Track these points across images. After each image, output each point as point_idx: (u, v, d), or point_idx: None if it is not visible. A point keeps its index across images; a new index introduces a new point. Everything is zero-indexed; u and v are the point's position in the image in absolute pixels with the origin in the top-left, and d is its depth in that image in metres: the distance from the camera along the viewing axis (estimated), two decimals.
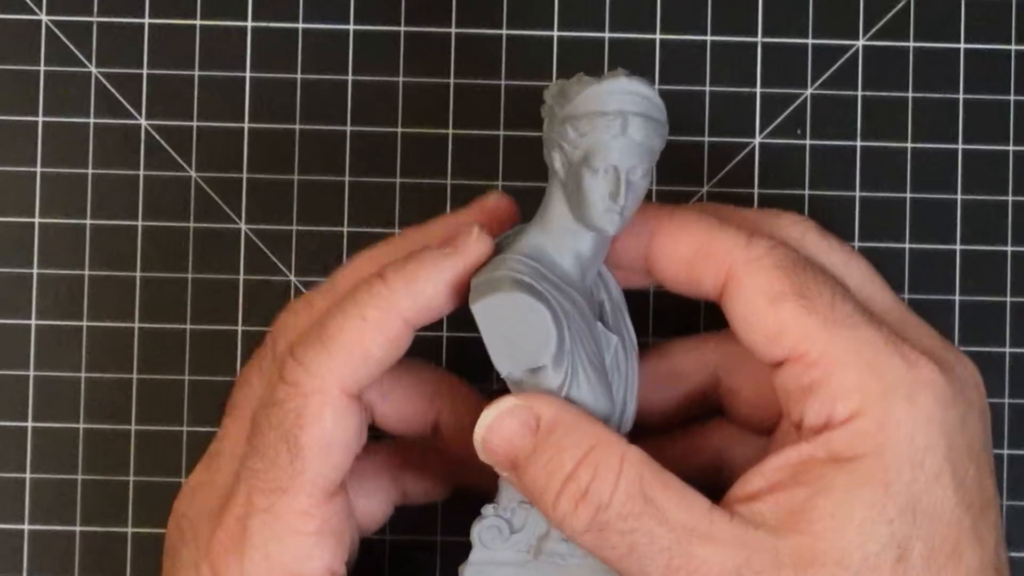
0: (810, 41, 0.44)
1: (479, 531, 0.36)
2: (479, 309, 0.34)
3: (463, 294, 0.35)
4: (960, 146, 0.44)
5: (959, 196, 0.44)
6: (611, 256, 0.37)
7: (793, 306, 0.34)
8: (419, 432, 0.39)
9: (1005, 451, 0.44)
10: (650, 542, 0.33)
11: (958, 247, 0.44)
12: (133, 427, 0.43)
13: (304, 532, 0.35)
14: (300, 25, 0.44)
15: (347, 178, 0.44)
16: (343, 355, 0.34)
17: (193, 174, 0.44)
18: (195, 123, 0.44)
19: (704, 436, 0.40)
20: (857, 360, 0.34)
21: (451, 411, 0.38)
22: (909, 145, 0.44)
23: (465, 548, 0.43)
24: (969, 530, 0.33)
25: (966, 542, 0.33)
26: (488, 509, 0.36)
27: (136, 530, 0.43)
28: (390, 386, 0.38)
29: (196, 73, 0.44)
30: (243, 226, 0.44)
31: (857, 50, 0.44)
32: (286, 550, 0.35)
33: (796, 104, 0.44)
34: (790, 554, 0.33)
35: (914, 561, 0.33)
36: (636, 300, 0.43)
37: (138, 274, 0.43)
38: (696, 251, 0.36)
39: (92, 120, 0.44)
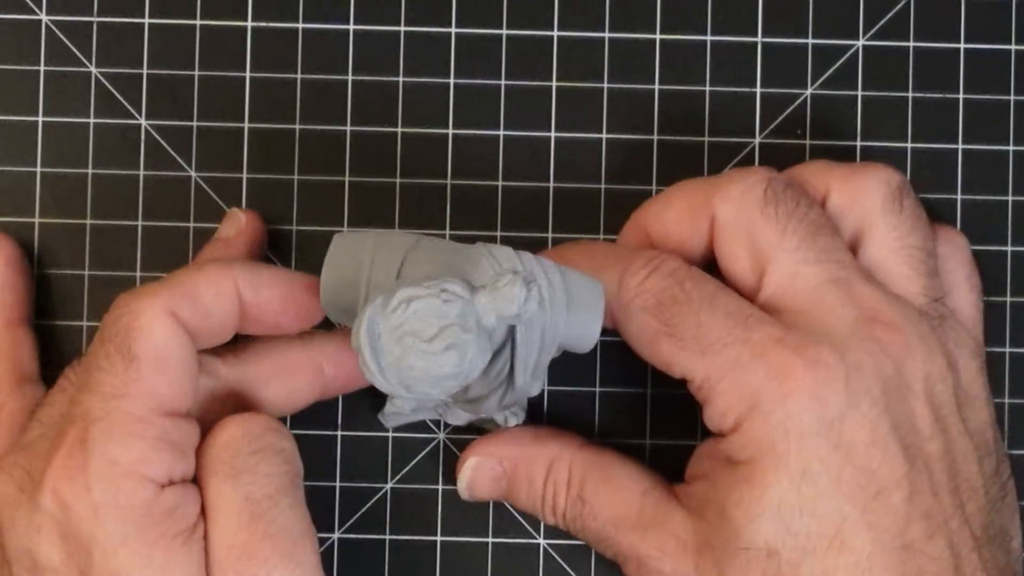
0: (810, 41, 0.44)
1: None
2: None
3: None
4: (960, 146, 0.44)
5: (959, 196, 0.44)
6: None
7: (667, 344, 0.38)
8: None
9: (1005, 451, 0.44)
10: (594, 537, 0.40)
11: None
12: None
13: (143, 436, 0.35)
14: (300, 25, 0.44)
15: (347, 178, 0.44)
16: (172, 287, 0.37)
17: (193, 174, 0.44)
18: (195, 123, 0.44)
19: None
20: (727, 382, 0.36)
21: (250, 287, 0.39)
22: (909, 145, 0.44)
23: (465, 548, 0.43)
24: (854, 519, 0.35)
25: (850, 531, 0.35)
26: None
27: None
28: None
29: (196, 73, 0.44)
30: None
31: (857, 50, 0.44)
32: (129, 451, 0.35)
33: (796, 104, 0.44)
34: (693, 537, 0.38)
35: (787, 555, 0.35)
36: None
37: (138, 274, 0.43)
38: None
39: (92, 120, 0.44)
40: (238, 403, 0.39)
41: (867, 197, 0.39)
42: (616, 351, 0.43)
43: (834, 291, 0.37)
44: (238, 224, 0.42)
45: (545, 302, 0.36)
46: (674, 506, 0.39)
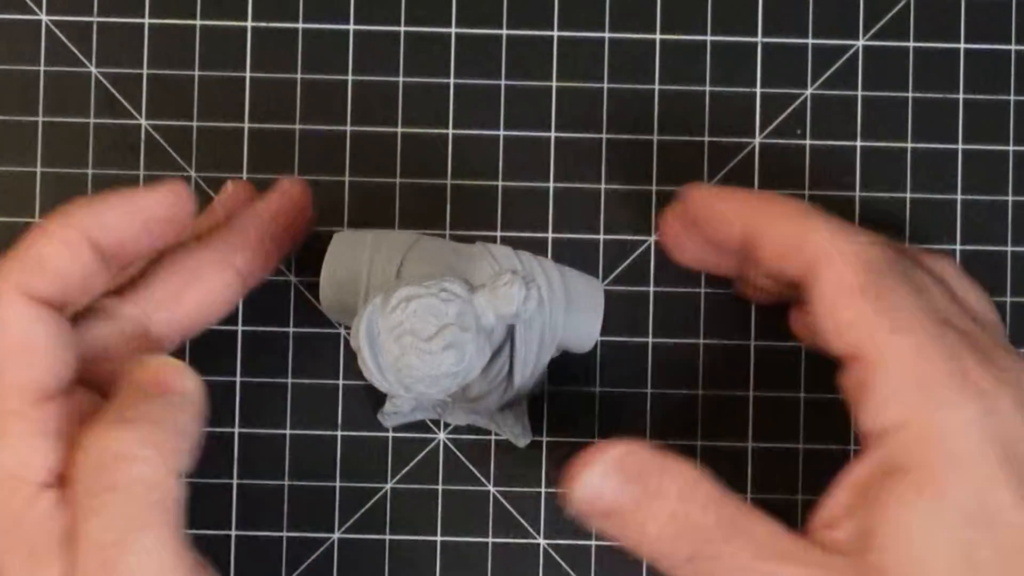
0: (810, 41, 0.44)
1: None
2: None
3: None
4: (960, 146, 0.44)
5: (959, 196, 0.44)
6: (705, 233, 0.38)
7: (864, 303, 0.34)
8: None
9: None
10: (737, 567, 0.33)
11: (958, 247, 0.44)
12: None
13: (18, 433, 0.34)
14: (300, 25, 0.44)
15: (347, 178, 0.44)
16: (19, 261, 0.35)
17: (193, 174, 0.44)
18: (195, 123, 0.44)
19: None
20: (911, 368, 0.33)
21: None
22: (909, 145, 0.44)
23: (465, 548, 0.43)
24: None
25: None
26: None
27: None
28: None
29: (196, 73, 0.44)
30: None
31: (857, 50, 0.44)
32: (4, 454, 0.34)
33: (796, 104, 0.44)
34: (866, 574, 0.33)
35: (983, 566, 0.32)
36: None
37: None
38: (790, 236, 0.36)
39: (92, 120, 0.44)
40: (157, 333, 0.38)
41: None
42: (616, 351, 0.43)
43: (979, 325, 0.36)
44: (225, 195, 0.41)
45: (544, 301, 0.36)
46: (823, 551, 0.33)
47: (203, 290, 0.38)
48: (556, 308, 0.36)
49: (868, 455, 0.34)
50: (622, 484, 0.34)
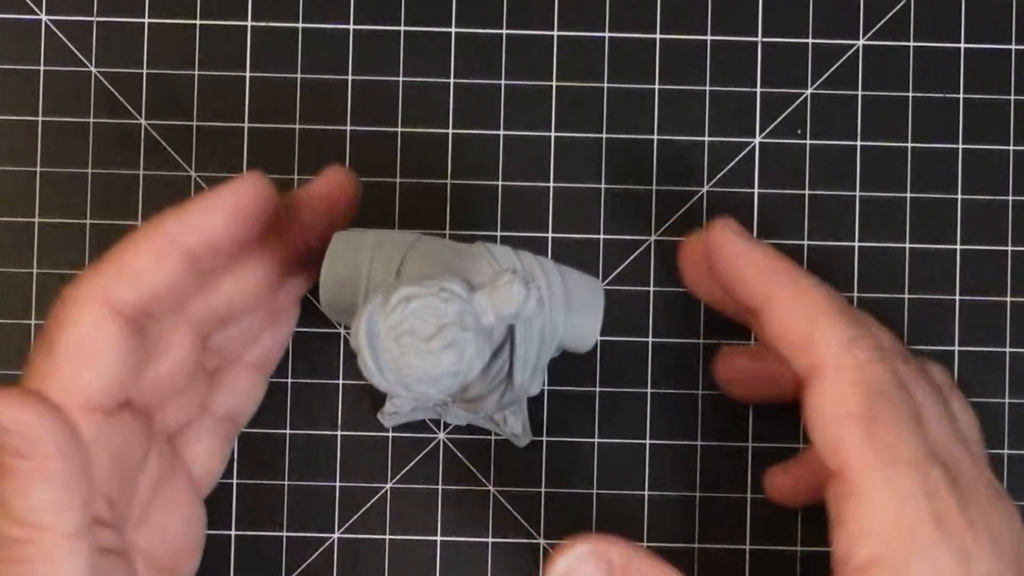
0: (810, 41, 0.44)
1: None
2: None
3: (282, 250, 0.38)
4: (960, 146, 0.44)
5: (959, 196, 0.44)
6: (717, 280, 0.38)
7: (856, 430, 0.34)
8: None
9: (1005, 451, 0.44)
10: None
11: (958, 247, 0.44)
12: None
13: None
14: (300, 25, 0.44)
15: None
16: (108, 270, 0.35)
17: (193, 174, 0.44)
18: (195, 123, 0.44)
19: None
20: (891, 503, 0.34)
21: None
22: (909, 145, 0.44)
23: (465, 548, 0.43)
24: None
25: None
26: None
27: None
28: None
29: (196, 73, 0.44)
30: None
31: (857, 50, 0.44)
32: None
33: (796, 104, 0.44)
34: None
35: None
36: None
37: None
38: (799, 335, 0.36)
39: (92, 120, 0.44)
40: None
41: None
42: (616, 351, 0.43)
43: (967, 454, 0.36)
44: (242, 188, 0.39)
45: (544, 301, 0.35)
46: None
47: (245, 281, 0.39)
48: (556, 308, 0.36)
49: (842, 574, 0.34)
50: (596, 573, 0.35)
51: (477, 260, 0.36)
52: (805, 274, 0.37)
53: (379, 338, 0.34)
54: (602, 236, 0.44)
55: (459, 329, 0.33)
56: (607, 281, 0.44)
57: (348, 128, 0.44)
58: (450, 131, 0.44)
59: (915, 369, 0.37)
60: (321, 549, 0.43)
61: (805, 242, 0.44)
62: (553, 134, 0.44)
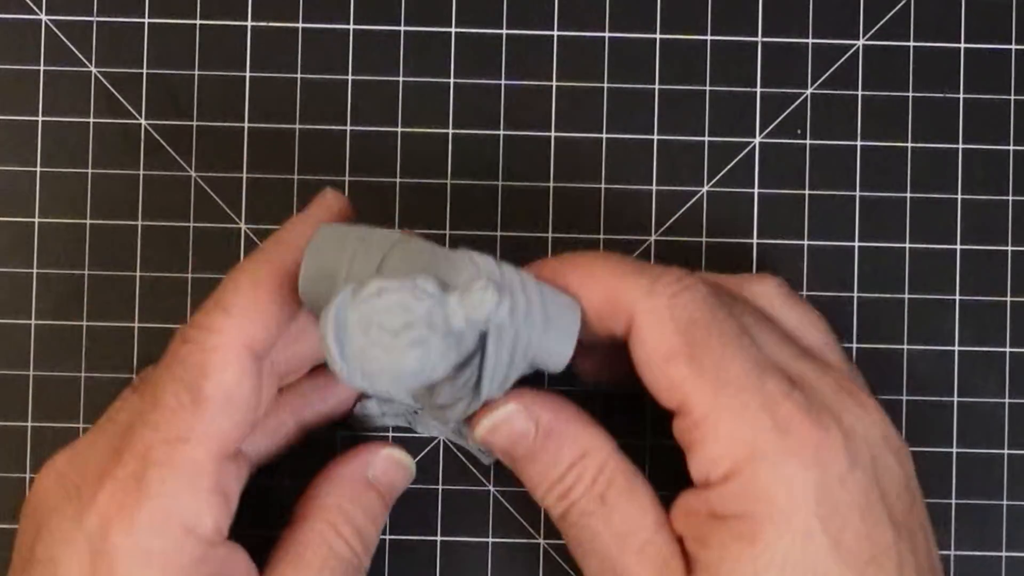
0: (810, 41, 0.44)
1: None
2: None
3: None
4: (960, 146, 0.44)
5: (959, 196, 0.44)
6: None
7: (683, 367, 0.35)
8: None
9: (1005, 451, 0.44)
10: (589, 541, 0.37)
11: (958, 247, 0.44)
12: None
13: (200, 488, 0.35)
14: (300, 25, 0.44)
15: (347, 178, 0.44)
16: (243, 315, 0.36)
17: (193, 174, 0.44)
18: (195, 123, 0.44)
19: None
20: (731, 425, 0.35)
21: None
22: (909, 145, 0.44)
23: (465, 548, 0.43)
24: None
25: None
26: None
27: None
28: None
29: (196, 73, 0.44)
30: (243, 226, 0.44)
31: (857, 50, 0.44)
32: (183, 504, 0.35)
33: (796, 104, 0.44)
34: None
35: None
36: None
37: (138, 274, 0.43)
38: (605, 299, 0.37)
39: (92, 120, 0.44)
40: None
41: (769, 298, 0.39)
42: None
43: (811, 362, 0.37)
44: (327, 205, 0.39)
45: (518, 312, 0.35)
46: (677, 556, 0.36)
47: (265, 445, 0.41)
48: (531, 324, 0.36)
49: (698, 492, 0.36)
50: (524, 430, 0.37)
51: (458, 266, 0.36)
52: (599, 254, 0.39)
53: (347, 328, 0.33)
54: (602, 236, 0.44)
55: (427, 328, 0.33)
56: None
57: (348, 128, 0.44)
58: (450, 131, 0.44)
59: (730, 291, 0.38)
60: None
61: (805, 242, 0.44)
62: (553, 134, 0.44)
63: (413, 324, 0.33)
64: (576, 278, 0.37)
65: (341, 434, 0.43)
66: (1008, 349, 0.44)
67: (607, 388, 0.42)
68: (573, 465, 0.37)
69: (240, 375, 0.35)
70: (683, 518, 0.36)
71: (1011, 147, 0.44)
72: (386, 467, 0.39)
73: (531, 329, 0.36)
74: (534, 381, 0.40)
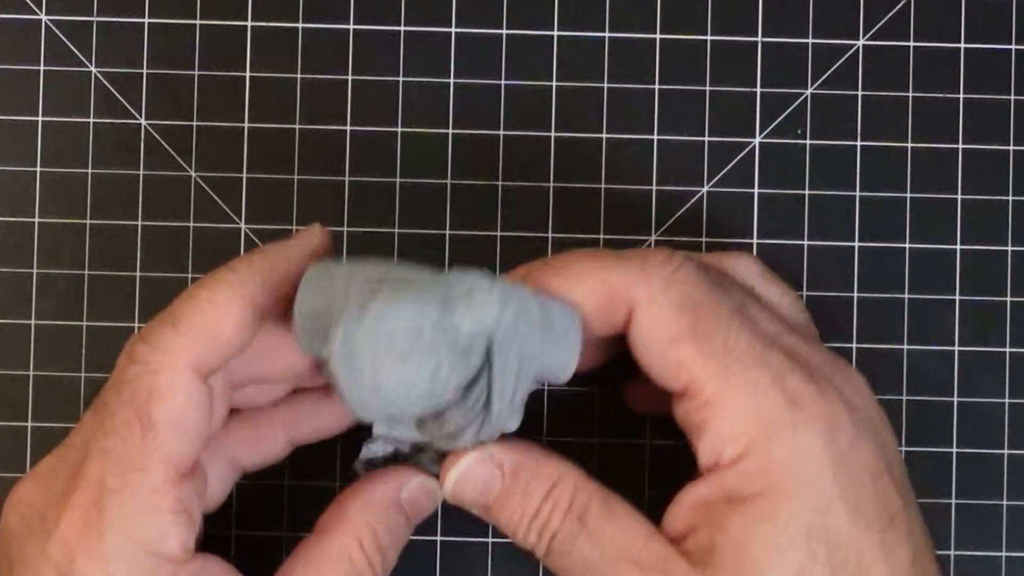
0: (810, 41, 0.44)
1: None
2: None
3: None
4: (960, 146, 0.44)
5: (959, 196, 0.44)
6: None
7: (689, 347, 0.35)
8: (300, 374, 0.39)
9: (1005, 451, 0.44)
10: (582, 564, 0.36)
11: (958, 247, 0.44)
12: None
13: (160, 510, 0.35)
14: (300, 25, 0.44)
15: (347, 178, 0.44)
16: (192, 334, 0.35)
17: (193, 174, 0.44)
18: (195, 123, 0.44)
19: None
20: (743, 402, 0.35)
21: None
22: (909, 145, 0.44)
23: (465, 548, 0.43)
24: (873, 547, 0.35)
25: (870, 559, 0.34)
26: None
27: None
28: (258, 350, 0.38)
29: (196, 73, 0.44)
30: (243, 226, 0.44)
31: (857, 50, 0.44)
32: (144, 529, 0.34)
33: (796, 104, 0.44)
34: None
35: None
36: None
37: (138, 274, 0.43)
38: (599, 295, 0.36)
39: (92, 120, 0.44)
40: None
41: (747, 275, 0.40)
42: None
43: (799, 336, 0.37)
44: (307, 238, 0.39)
45: (520, 320, 0.35)
46: (676, 555, 0.35)
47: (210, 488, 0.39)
48: (533, 338, 0.36)
49: (709, 479, 0.35)
50: (490, 476, 0.37)
51: (453, 285, 0.36)
52: (584, 252, 0.38)
53: (353, 351, 0.33)
54: (602, 236, 0.44)
55: (434, 343, 0.33)
56: None
57: (348, 128, 0.44)
58: (450, 131, 0.44)
59: (717, 269, 0.38)
60: None
61: (805, 242, 0.44)
62: (553, 134, 0.44)
63: (422, 340, 0.33)
64: (565, 281, 0.36)
65: (342, 434, 0.43)
66: (1008, 349, 0.44)
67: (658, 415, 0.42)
68: (547, 496, 0.37)
69: (187, 398, 0.35)
70: (691, 510, 0.36)
71: (1011, 147, 0.44)
72: (419, 493, 0.39)
73: (533, 342, 0.35)
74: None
